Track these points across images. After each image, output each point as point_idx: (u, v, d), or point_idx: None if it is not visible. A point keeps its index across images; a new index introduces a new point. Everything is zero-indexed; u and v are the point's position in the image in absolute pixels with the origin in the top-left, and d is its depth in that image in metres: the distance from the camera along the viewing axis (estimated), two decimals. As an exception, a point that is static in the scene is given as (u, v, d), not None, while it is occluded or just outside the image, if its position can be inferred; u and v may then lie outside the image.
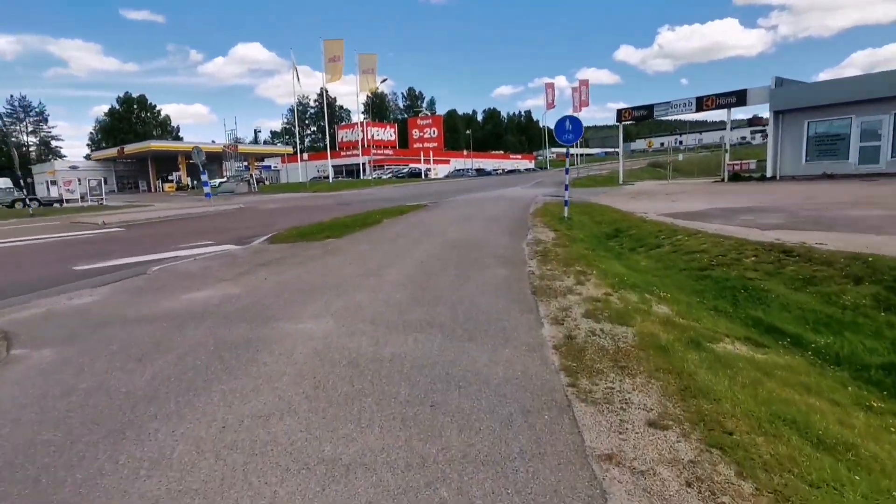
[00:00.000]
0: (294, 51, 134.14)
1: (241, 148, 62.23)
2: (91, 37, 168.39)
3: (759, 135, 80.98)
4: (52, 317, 5.00)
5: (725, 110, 27.14)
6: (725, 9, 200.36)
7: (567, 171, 12.25)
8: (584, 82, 73.02)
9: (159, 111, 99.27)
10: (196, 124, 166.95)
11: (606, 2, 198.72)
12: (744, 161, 26.99)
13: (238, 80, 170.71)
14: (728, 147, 27.08)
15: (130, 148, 64.79)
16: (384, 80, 56.94)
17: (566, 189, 12.15)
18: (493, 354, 3.58)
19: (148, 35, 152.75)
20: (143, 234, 12.83)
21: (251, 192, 43.39)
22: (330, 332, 4.20)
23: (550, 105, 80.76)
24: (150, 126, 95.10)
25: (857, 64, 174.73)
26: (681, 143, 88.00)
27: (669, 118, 36.73)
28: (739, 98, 25.94)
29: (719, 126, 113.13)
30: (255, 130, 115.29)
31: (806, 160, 23.72)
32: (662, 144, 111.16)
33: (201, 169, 18.84)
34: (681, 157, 39.28)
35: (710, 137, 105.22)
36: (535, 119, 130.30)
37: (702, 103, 27.40)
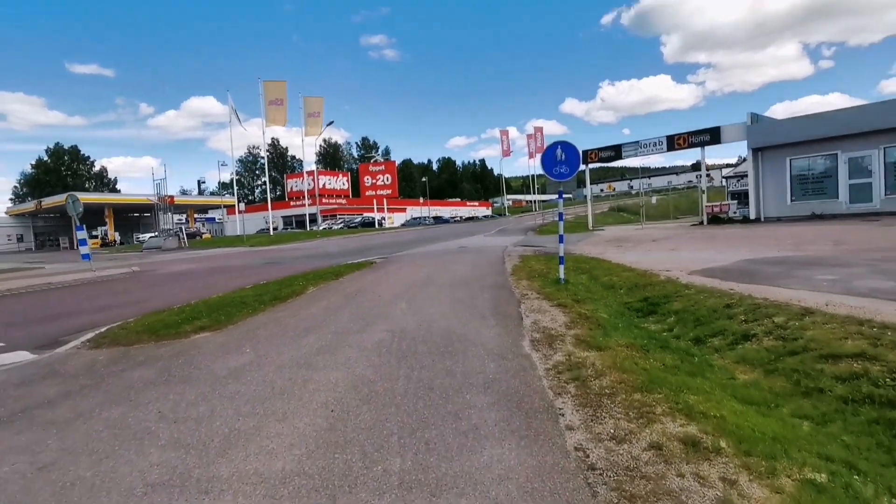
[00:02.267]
0: (232, 93, 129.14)
1: (178, 200, 56.87)
2: (34, 90, 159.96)
3: (706, 178, 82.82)
4: None
5: (689, 150, 25.38)
6: (658, 66, 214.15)
7: (561, 218, 8.85)
8: (539, 129, 73.51)
9: (93, 162, 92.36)
10: (146, 178, 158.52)
11: (552, 58, 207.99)
12: (723, 203, 24.94)
13: (191, 134, 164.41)
14: (705, 188, 25.07)
15: (49, 201, 58.33)
16: (331, 123, 54.01)
17: (560, 241, 8.75)
18: None
19: (96, 89, 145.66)
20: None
21: (181, 248, 38.37)
22: None
23: (506, 153, 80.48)
24: (82, 179, 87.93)
25: (777, 115, 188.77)
26: (631, 187, 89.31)
27: (636, 161, 35.23)
28: (713, 136, 24.22)
29: (664, 171, 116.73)
30: (198, 181, 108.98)
31: (791, 200, 21.76)
32: (614, 189, 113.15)
33: (76, 223, 14.51)
34: (654, 200, 37.49)
35: (658, 182, 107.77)
36: (489, 167, 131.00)
37: (673, 142, 25.59)
